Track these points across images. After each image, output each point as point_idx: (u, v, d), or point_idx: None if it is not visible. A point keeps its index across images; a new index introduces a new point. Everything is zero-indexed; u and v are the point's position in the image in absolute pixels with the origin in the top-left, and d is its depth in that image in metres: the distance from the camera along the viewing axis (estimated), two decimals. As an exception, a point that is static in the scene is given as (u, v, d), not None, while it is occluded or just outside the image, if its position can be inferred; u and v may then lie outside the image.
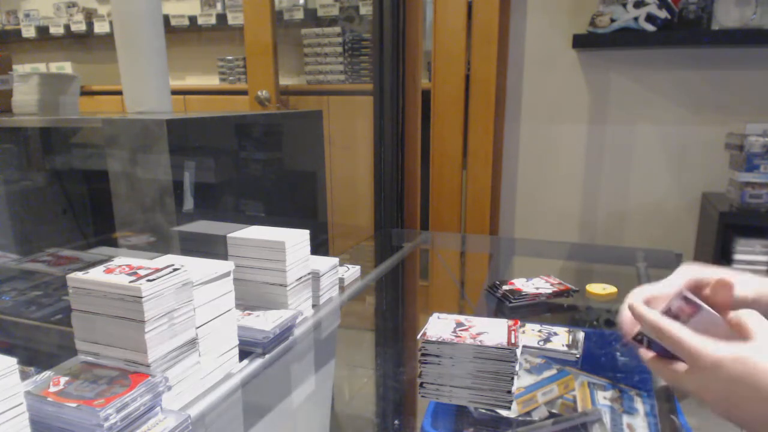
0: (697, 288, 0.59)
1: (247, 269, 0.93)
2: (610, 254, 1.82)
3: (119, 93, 1.48)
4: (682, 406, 0.79)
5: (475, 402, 0.73)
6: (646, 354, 0.57)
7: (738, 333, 0.51)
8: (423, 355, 0.72)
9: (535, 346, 0.92)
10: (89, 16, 3.29)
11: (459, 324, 0.76)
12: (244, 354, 0.84)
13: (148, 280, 0.64)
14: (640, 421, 0.82)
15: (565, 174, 2.24)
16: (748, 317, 0.51)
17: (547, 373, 0.84)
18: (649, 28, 1.88)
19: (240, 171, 1.34)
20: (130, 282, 0.63)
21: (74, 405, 0.58)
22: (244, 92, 2.64)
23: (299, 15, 2.80)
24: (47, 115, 1.55)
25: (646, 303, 0.57)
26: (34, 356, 0.99)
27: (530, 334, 0.96)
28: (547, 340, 0.94)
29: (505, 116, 2.28)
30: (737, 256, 1.78)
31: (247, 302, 0.93)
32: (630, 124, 2.12)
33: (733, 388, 0.48)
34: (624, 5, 1.91)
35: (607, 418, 0.81)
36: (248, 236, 0.93)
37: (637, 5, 1.89)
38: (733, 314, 0.52)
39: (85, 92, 2.97)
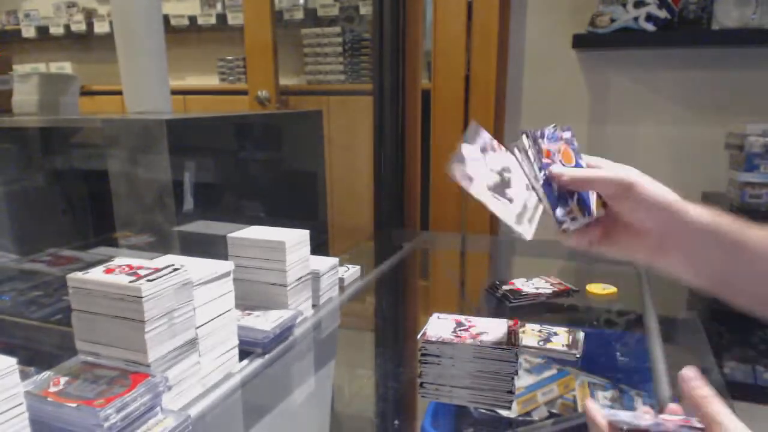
0: None
1: (247, 269, 0.93)
2: (610, 254, 1.81)
3: (119, 93, 1.48)
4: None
5: (475, 402, 0.73)
6: None
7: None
8: (423, 355, 0.72)
9: (535, 346, 0.92)
10: (89, 16, 3.29)
11: (459, 324, 0.76)
12: (244, 354, 0.84)
13: (148, 280, 0.64)
14: (640, 421, 0.82)
15: (565, 174, 2.24)
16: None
17: (547, 373, 0.84)
18: (649, 28, 1.88)
19: (240, 171, 1.34)
20: (130, 282, 0.63)
21: (74, 405, 0.58)
22: (244, 92, 2.64)
23: (299, 15, 2.80)
24: (47, 115, 1.55)
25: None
26: (34, 356, 0.98)
27: (530, 334, 0.96)
28: (547, 340, 0.94)
29: (505, 116, 2.28)
30: (737, 256, 1.78)
31: (247, 302, 0.93)
32: (630, 124, 2.11)
33: None
34: (624, 5, 1.91)
35: (607, 418, 0.80)
36: (248, 236, 0.93)
37: (637, 5, 1.89)
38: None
39: (85, 92, 2.97)
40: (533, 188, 0.63)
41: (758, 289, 0.62)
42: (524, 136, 0.64)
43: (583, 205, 0.63)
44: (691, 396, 0.50)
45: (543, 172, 0.62)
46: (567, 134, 0.66)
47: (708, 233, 0.62)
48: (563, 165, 0.64)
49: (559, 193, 0.62)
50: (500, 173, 0.62)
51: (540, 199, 0.62)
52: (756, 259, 0.61)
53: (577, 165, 0.65)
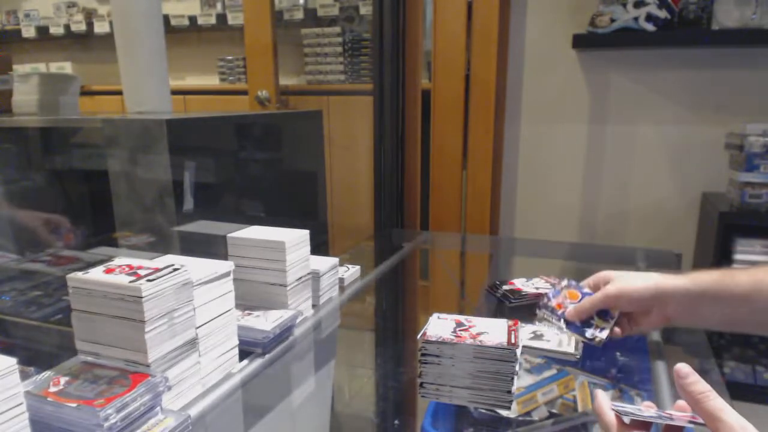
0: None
1: (247, 269, 0.93)
2: (610, 254, 1.82)
3: (119, 93, 1.48)
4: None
5: (475, 402, 0.73)
6: None
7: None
8: (423, 355, 0.72)
9: (535, 346, 0.92)
10: (89, 16, 3.29)
11: (459, 324, 0.76)
12: (244, 354, 0.84)
13: (148, 280, 0.64)
14: (640, 421, 0.82)
15: (565, 174, 2.24)
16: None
17: (547, 373, 0.84)
18: (649, 28, 1.88)
19: (240, 171, 1.34)
20: (130, 282, 0.63)
21: (74, 405, 0.58)
22: (244, 92, 2.64)
23: (299, 15, 2.80)
24: (47, 115, 1.55)
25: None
26: (34, 356, 0.99)
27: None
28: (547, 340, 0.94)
29: (505, 116, 2.28)
30: (737, 256, 1.78)
31: (247, 302, 0.93)
32: (630, 124, 2.12)
33: None
34: (624, 5, 1.91)
35: (607, 418, 0.80)
36: (248, 236, 0.93)
37: (637, 5, 1.89)
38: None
39: (85, 92, 2.97)
40: (564, 333, 0.87)
41: (763, 325, 0.72)
42: (540, 310, 0.92)
43: (605, 315, 0.85)
44: (689, 392, 0.50)
45: (562, 321, 0.87)
46: (564, 283, 0.93)
47: (694, 296, 0.76)
48: (572, 303, 0.88)
49: (581, 323, 0.85)
50: (535, 334, 0.88)
51: (572, 336, 0.86)
52: (740, 304, 0.72)
53: (584, 295, 0.88)
